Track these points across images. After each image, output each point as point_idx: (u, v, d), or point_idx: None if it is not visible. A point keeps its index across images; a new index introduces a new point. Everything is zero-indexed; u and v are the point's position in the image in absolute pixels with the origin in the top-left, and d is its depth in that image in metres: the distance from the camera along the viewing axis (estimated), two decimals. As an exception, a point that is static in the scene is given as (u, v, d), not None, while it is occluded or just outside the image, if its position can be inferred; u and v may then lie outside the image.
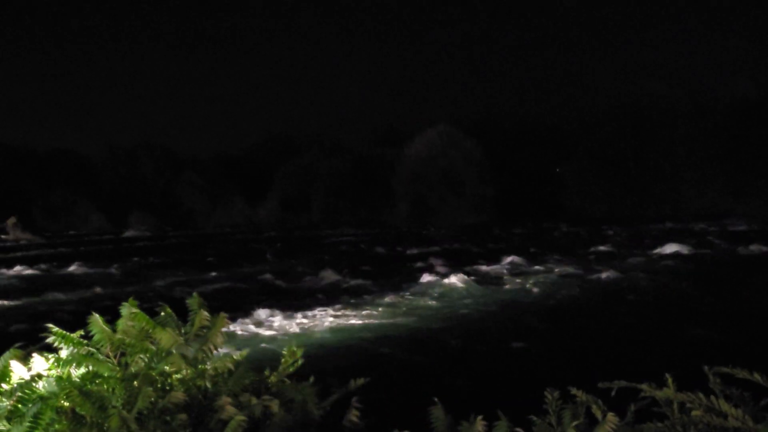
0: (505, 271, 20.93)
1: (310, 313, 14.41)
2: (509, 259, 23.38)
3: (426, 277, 19.11)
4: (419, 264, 23.32)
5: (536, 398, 3.62)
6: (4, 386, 3.64)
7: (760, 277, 19.46)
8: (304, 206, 62.30)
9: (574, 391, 3.50)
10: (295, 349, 4.33)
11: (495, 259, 23.50)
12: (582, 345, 11.41)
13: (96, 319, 3.95)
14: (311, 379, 4.01)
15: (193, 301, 4.27)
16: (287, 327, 13.13)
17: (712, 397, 3.43)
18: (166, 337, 3.85)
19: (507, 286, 18.08)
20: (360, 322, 13.62)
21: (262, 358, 4.25)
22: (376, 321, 13.70)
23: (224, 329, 4.06)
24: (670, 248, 25.70)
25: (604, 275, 19.83)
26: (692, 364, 4.03)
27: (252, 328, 13.01)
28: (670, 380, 3.49)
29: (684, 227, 38.65)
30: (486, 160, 56.38)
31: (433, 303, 15.73)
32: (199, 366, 3.87)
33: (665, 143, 54.99)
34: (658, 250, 25.69)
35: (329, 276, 20.89)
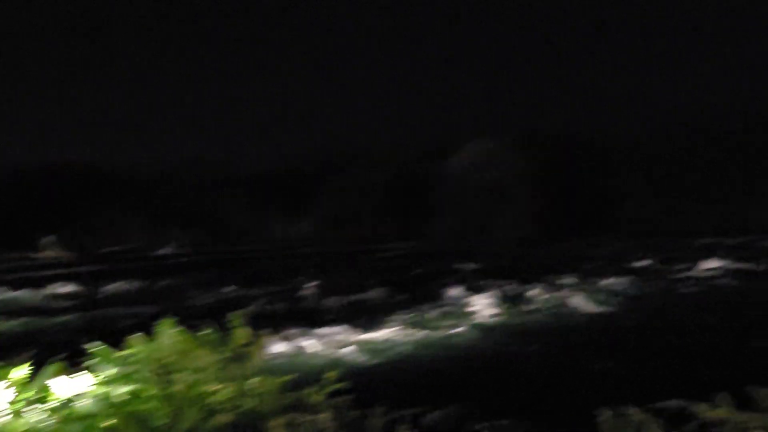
0: (545, 286, 20.66)
1: (344, 331, 14.32)
2: (549, 274, 23.10)
3: (460, 294, 18.97)
4: (454, 280, 23.12)
5: (589, 417, 3.51)
6: (46, 404, 3.62)
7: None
8: (347, 221, 62.35)
9: (628, 410, 3.39)
10: (332, 370, 4.26)
11: (536, 274, 23.22)
12: (629, 363, 11.17)
13: (136, 337, 3.93)
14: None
15: (234, 319, 4.23)
16: (329, 345, 13.08)
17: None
18: (207, 355, 3.81)
19: (540, 302, 17.85)
20: (393, 340, 13.52)
21: (304, 377, 4.20)
22: (408, 339, 13.59)
23: (266, 347, 4.01)
24: (717, 263, 25.25)
25: (649, 290, 19.54)
26: (743, 382, 3.88)
27: (294, 346, 12.99)
28: (724, 400, 3.37)
29: (737, 242, 37.77)
30: (532, 173, 55.98)
31: (464, 321, 15.56)
32: (241, 385, 3.81)
33: (720, 157, 54.19)
34: (705, 265, 25.22)
35: (371, 292, 20.84)
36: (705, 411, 3.41)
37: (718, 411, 3.42)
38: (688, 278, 22.45)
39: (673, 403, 3.38)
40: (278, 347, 12.71)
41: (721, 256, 26.59)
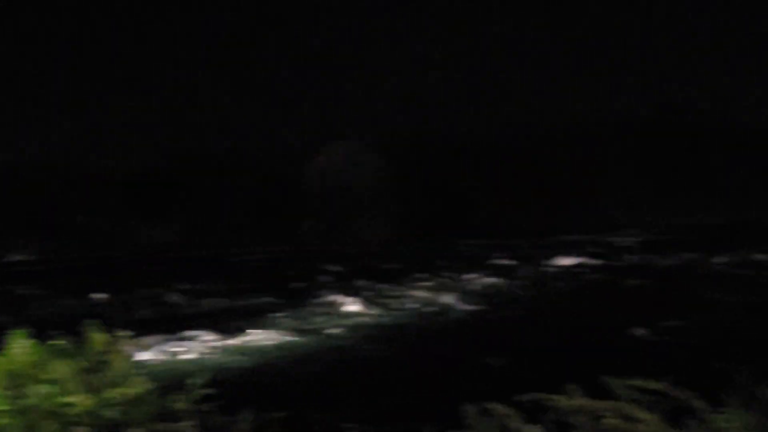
0: (408, 287, 21.00)
1: (214, 336, 14.02)
2: (412, 274, 23.52)
3: (330, 296, 19.01)
4: (323, 282, 23.12)
5: (453, 414, 3.60)
6: None
7: (648, 284, 20.38)
8: (210, 226, 60.92)
9: (491, 405, 3.49)
10: (201, 376, 4.15)
11: (399, 275, 23.57)
12: (491, 358, 11.55)
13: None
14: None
15: (90, 326, 4.04)
16: (198, 350, 12.76)
17: (625, 404, 3.49)
18: (62, 366, 3.62)
19: (408, 302, 18.18)
20: (264, 343, 13.39)
21: (171, 383, 4.07)
22: (280, 342, 13.51)
23: (130, 355, 3.86)
24: (573, 260, 26.64)
25: (514, 286, 20.36)
26: (595, 373, 4.10)
27: (161, 352, 12.58)
28: (577, 390, 3.53)
29: (584, 239, 39.84)
30: (395, 175, 56.75)
31: (336, 322, 15.62)
32: (103, 394, 3.64)
33: (570, 159, 57.23)
34: (555, 261, 26.52)
35: (234, 297, 20.47)
36: (562, 402, 3.55)
37: (575, 401, 3.58)
38: (549, 274, 23.54)
39: (533, 395, 3.51)
40: (146, 354, 12.27)
41: (576, 253, 28.10)
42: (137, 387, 3.72)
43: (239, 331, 14.40)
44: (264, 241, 54.91)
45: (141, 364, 11.40)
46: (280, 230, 58.31)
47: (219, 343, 13.32)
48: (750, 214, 49.81)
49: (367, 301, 18.04)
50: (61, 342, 3.81)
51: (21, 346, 3.70)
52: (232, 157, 70.09)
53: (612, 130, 59.24)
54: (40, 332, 3.99)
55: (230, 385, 9.55)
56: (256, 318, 16.12)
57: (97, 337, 3.88)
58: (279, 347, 12.99)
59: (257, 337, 13.87)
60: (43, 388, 3.57)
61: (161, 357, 12.27)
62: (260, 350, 12.74)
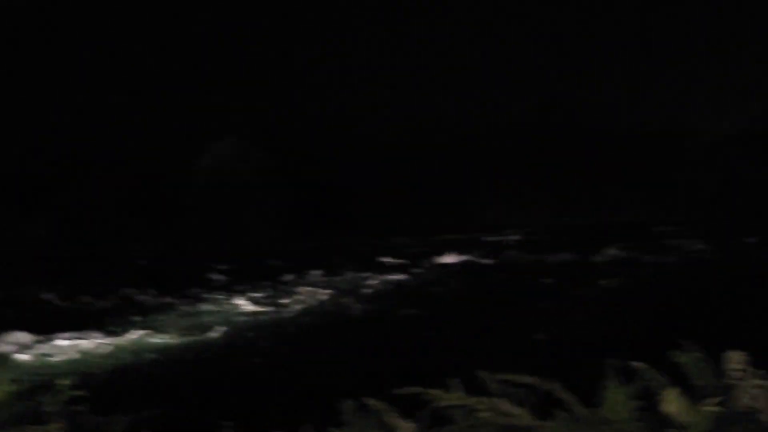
0: (301, 285, 20.94)
1: (88, 336, 13.51)
2: (305, 273, 23.46)
3: (220, 295, 18.74)
4: (214, 281, 22.73)
5: (334, 411, 3.63)
6: None
7: (528, 281, 21.12)
8: (87, 223, 58.52)
9: (368, 400, 3.54)
10: (70, 375, 4.02)
11: (291, 274, 23.46)
12: (372, 354, 11.69)
13: None
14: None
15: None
16: (71, 351, 12.29)
17: (496, 399, 3.61)
18: None
19: (301, 301, 18.15)
20: (150, 343, 13.08)
21: (39, 385, 3.93)
22: (165, 342, 13.22)
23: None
24: (455, 259, 27.26)
25: (391, 285, 20.67)
26: (481, 369, 4.22)
27: (32, 353, 12.04)
28: (455, 385, 3.64)
29: (465, 238, 40.52)
30: (280, 172, 56.28)
31: (220, 321, 15.41)
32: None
33: (449, 159, 58.57)
34: (443, 260, 27.05)
35: (114, 296, 19.74)
36: (439, 396, 3.63)
37: (451, 396, 3.66)
38: (440, 273, 23.96)
39: (409, 389, 3.58)
40: (21, 355, 11.76)
41: (461, 252, 28.70)
42: (2, 388, 3.58)
43: (124, 331, 13.98)
44: (147, 240, 53.25)
45: (14, 365, 10.91)
46: (164, 229, 56.75)
47: (101, 343, 12.90)
48: (627, 215, 52.30)
49: (260, 300, 17.89)
50: None
51: None
52: (113, 153, 67.57)
53: (491, 130, 60.93)
54: None
55: (109, 386, 9.28)
56: (143, 318, 15.70)
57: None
58: (165, 347, 12.70)
59: (143, 337, 13.51)
60: None
61: (37, 358, 11.76)
62: (145, 350, 12.43)
